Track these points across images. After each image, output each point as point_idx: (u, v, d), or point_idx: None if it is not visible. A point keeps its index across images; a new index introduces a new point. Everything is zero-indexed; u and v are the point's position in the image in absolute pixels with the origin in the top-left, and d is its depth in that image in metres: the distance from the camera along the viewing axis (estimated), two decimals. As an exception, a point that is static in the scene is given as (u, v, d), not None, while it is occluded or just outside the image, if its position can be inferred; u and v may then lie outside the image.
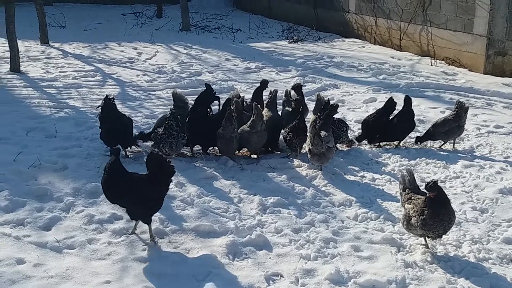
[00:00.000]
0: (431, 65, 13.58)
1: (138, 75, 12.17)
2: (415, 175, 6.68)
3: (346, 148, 7.89)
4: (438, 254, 5.14)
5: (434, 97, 10.89)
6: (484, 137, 8.47)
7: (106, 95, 6.89)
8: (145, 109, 9.54)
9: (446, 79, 12.29)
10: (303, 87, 11.47)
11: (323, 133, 6.77)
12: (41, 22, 15.10)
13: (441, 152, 7.83)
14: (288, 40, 17.09)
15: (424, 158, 7.51)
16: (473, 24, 12.85)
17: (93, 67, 12.58)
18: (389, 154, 7.65)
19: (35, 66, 12.38)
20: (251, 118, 7.07)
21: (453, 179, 6.81)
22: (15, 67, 11.48)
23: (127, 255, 4.91)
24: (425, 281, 4.69)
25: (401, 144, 8.10)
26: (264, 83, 8.36)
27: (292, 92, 8.50)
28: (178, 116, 6.86)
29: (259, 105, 7.11)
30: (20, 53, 13.47)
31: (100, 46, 15.51)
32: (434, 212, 4.85)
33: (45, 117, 8.59)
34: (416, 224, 4.96)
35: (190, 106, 7.53)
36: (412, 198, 5.14)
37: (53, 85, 10.73)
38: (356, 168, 7.12)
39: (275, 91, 8.11)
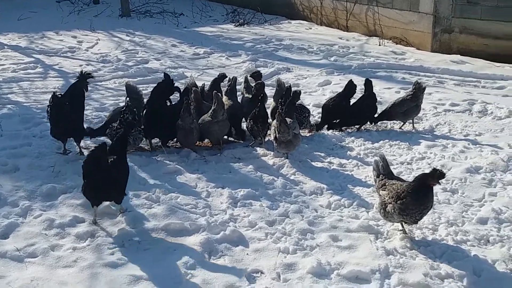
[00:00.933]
0: (379, 45, 13.59)
1: (81, 65, 11.57)
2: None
3: (308, 134, 7.73)
4: (417, 238, 5.06)
5: (387, 77, 10.88)
6: (442, 116, 8.50)
7: (53, 92, 6.42)
8: (94, 101, 9.07)
9: (396, 59, 12.31)
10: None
11: (288, 120, 6.58)
12: (-28, 12, 14.17)
13: (403, 133, 7.78)
14: (234, 24, 16.74)
15: (387, 140, 7.44)
16: (419, 2, 12.92)
17: (32, 59, 11.91)
18: (352, 138, 7.55)
19: (-31, 60, 11.59)
20: (212, 107, 6.79)
21: (419, 160, 6.77)
22: None
23: (95, 260, 4.58)
24: (409, 268, 4.59)
25: (362, 127, 8.01)
26: (222, 77, 8.05)
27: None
28: (134, 109, 6.49)
29: (219, 93, 6.83)
30: (-51, 46, 12.74)
31: (37, 36, 14.72)
32: (421, 199, 4.76)
33: (-14, 114, 8.01)
34: (392, 210, 4.85)
35: (145, 98, 7.16)
36: (387, 184, 5.02)
37: (-8, 79, 10.05)
38: (322, 154, 6.97)
39: (234, 78, 7.85)
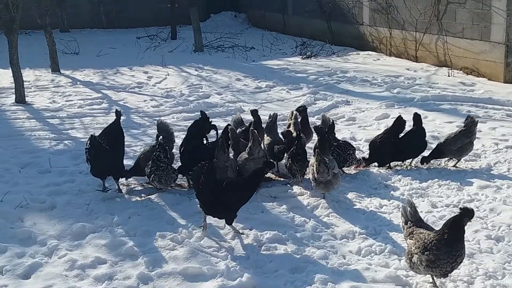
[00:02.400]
0: (448, 76, 13.05)
1: (145, 100, 11.93)
2: (426, 200, 6.31)
3: (354, 170, 7.45)
4: (448, 292, 4.67)
5: (450, 111, 10.38)
6: (502, 153, 7.95)
7: (91, 134, 6.59)
8: (148, 137, 9.24)
9: (463, 90, 11.75)
10: (313, 105, 11.22)
11: (327, 158, 6.37)
12: (51, 50, 14.98)
13: (456, 172, 7.33)
14: (301, 56, 16.71)
15: (436, 180, 7.02)
16: (490, 31, 12.31)
17: (100, 94, 12.38)
18: (399, 177, 7.19)
19: (42, 96, 12.23)
20: (248, 145, 6.70)
21: (466, 203, 6.30)
22: (20, 98, 11.34)
23: (107, 305, 4.56)
24: (431, 327, 4.23)
25: (412, 164, 7.63)
26: (254, 114, 7.94)
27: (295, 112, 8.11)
28: (167, 147, 6.53)
29: (255, 130, 6.73)
30: (29, 83, 13.50)
31: (111, 71, 15.35)
32: (451, 247, 4.44)
33: (42, 150, 8.34)
34: (418, 262, 4.51)
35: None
36: (414, 232, 4.68)
37: (57, 116, 10.52)
38: (363, 194, 6.67)
39: (275, 115, 7.74)
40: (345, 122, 10.06)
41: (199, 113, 7.41)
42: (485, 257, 5.19)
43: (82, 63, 16.48)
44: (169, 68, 15.64)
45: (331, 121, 7.49)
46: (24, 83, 11.82)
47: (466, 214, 4.48)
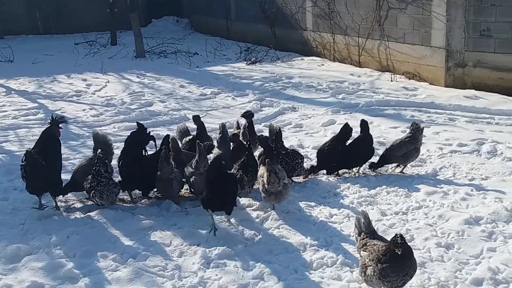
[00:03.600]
0: (391, 81, 13.18)
1: (84, 110, 11.50)
2: (375, 208, 6.24)
3: (303, 180, 7.32)
4: (401, 304, 4.56)
5: (394, 116, 10.44)
6: (447, 158, 8.00)
7: (27, 150, 6.17)
8: (88, 149, 8.82)
9: (406, 95, 11.87)
10: (260, 112, 11.07)
11: (277, 168, 6.19)
12: (-17, 58, 14.29)
13: (403, 178, 7.31)
14: (246, 62, 16.56)
15: (384, 187, 6.97)
16: (430, 36, 12.51)
17: (36, 104, 11.85)
18: (348, 184, 7.11)
19: (-28, 107, 11.58)
20: (195, 158, 6.43)
21: (415, 210, 6.28)
22: None
23: (43, 334, 4.22)
24: None
25: (360, 171, 7.57)
26: (195, 119, 7.73)
27: (243, 121, 7.92)
28: (106, 160, 6.21)
29: (201, 143, 6.47)
30: (-41, 93, 12.80)
31: (47, 79, 14.75)
32: (400, 266, 4.31)
33: (-27, 166, 7.84)
34: (372, 274, 4.39)
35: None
36: (368, 244, 4.56)
37: (-11, 128, 9.97)
38: (312, 204, 6.54)
39: (223, 125, 7.52)
40: (292, 129, 9.94)
41: (141, 123, 7.07)
42: (436, 265, 5.13)
43: (17, 71, 15.78)
44: (109, 75, 15.17)
45: (278, 128, 7.34)
46: (-46, 93, 11.15)
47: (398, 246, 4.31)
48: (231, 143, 7.14)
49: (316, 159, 7.60)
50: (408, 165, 7.66)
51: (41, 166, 5.99)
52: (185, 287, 4.83)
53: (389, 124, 9.85)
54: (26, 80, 14.67)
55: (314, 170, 7.37)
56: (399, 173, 7.51)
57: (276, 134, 7.17)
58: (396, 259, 4.27)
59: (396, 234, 4.31)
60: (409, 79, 13.26)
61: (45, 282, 4.88)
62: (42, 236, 5.66)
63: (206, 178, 5.95)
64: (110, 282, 4.89)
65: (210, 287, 4.87)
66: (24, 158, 6.00)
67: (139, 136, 6.64)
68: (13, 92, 13.11)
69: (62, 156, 8.15)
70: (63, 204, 6.55)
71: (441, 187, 6.88)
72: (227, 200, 5.80)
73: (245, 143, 7.05)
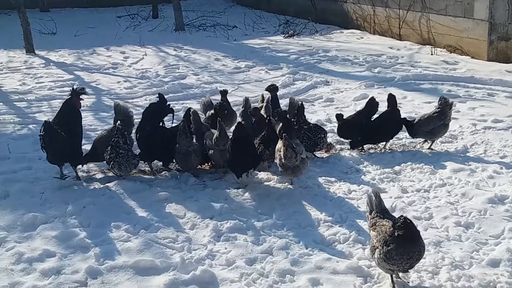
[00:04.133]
0: (431, 54, 12.75)
1: (119, 82, 11.58)
2: (396, 185, 6.06)
3: (326, 154, 7.19)
4: (411, 284, 4.44)
5: (430, 90, 10.11)
6: (480, 134, 7.71)
7: (45, 120, 6.24)
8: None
9: (446, 69, 11.47)
10: (292, 86, 10.93)
11: (294, 143, 6.07)
12: (25, 30, 14.52)
13: (430, 155, 7.08)
14: (283, 35, 16.32)
15: (409, 163, 6.78)
16: (473, 8, 12.00)
17: (72, 76, 12.02)
18: (372, 160, 6.94)
19: (12, 78, 11.84)
20: (215, 135, 6.36)
21: (438, 188, 6.07)
22: (-13, 81, 10.97)
23: (49, 302, 4.30)
24: (390, 322, 4.00)
25: (387, 147, 7.37)
26: (223, 94, 7.64)
27: (267, 94, 7.80)
28: (125, 132, 6.22)
29: (222, 122, 6.40)
30: (1, 65, 13.11)
31: (87, 52, 14.92)
32: (403, 248, 4.12)
33: (3, 136, 8.01)
34: (378, 256, 4.24)
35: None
36: (377, 224, 4.41)
37: (25, 98, 10.17)
38: (332, 179, 6.42)
39: (246, 99, 7.43)
40: (323, 103, 9.77)
41: (162, 94, 7.03)
42: (453, 245, 4.96)
43: (58, 44, 16.01)
44: (147, 48, 15.21)
45: (300, 102, 7.19)
46: (-5, 65, 11.42)
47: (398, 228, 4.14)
48: (252, 117, 7.04)
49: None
50: (438, 141, 7.42)
51: (59, 137, 6.05)
52: (193, 259, 4.81)
53: (423, 99, 9.54)
54: (66, 52, 14.87)
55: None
56: (427, 149, 7.27)
57: (298, 108, 7.04)
58: (400, 241, 4.09)
59: (400, 216, 4.15)
60: (450, 52, 12.80)
61: (57, 251, 4.95)
62: (59, 206, 5.75)
63: (231, 142, 6.16)
64: (120, 253, 4.93)
65: (218, 260, 4.85)
66: (42, 128, 6.06)
67: (158, 107, 6.62)
68: (51, 64, 13.32)
69: (91, 126, 8.37)
70: (84, 174, 6.63)
71: (469, 164, 6.63)
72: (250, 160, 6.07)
73: (266, 117, 6.93)
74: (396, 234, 4.08)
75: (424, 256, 4.67)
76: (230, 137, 6.35)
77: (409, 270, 4.32)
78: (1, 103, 9.91)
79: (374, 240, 4.35)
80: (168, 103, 6.82)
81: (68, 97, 6.52)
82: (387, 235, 4.19)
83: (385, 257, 4.16)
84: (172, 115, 6.78)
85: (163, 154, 6.46)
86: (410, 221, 4.15)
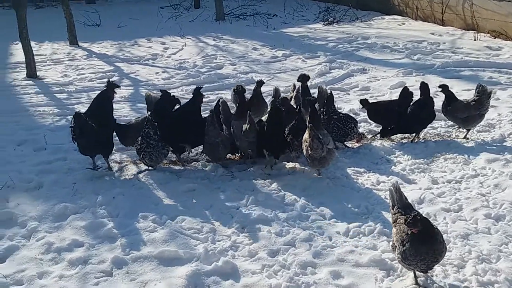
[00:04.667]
0: (475, 40, 12.40)
1: (157, 73, 11.72)
2: (427, 176, 5.94)
3: (356, 144, 7.10)
4: (434, 278, 4.36)
5: (471, 77, 9.83)
6: (519, 123, 7.45)
7: (76, 111, 6.38)
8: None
9: (488, 55, 11.14)
10: (328, 74, 10.81)
11: (321, 134, 6.01)
12: (69, 22, 14.86)
13: (465, 145, 6.90)
14: (323, 23, 16.16)
15: (443, 153, 6.64)
16: (518, -9, 11.58)
17: (112, 67, 12.22)
18: (404, 150, 6.82)
19: (55, 70, 12.14)
20: (245, 126, 6.36)
21: (470, 179, 5.92)
22: (30, 73, 11.27)
23: (75, 291, 4.42)
24: (409, 317, 3.94)
25: (420, 137, 7.21)
26: (259, 84, 7.60)
27: (297, 84, 7.73)
28: (156, 123, 6.29)
29: (252, 115, 6.41)
30: (45, 57, 13.45)
31: (129, 43, 15.15)
32: (415, 249, 4.00)
33: (42, 127, 8.23)
34: (397, 256, 4.16)
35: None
36: (397, 221, 4.30)
37: (66, 90, 10.42)
38: (361, 170, 6.34)
39: (276, 89, 7.41)
40: (358, 92, 9.65)
41: (165, 91, 7.00)
42: (481, 238, 4.84)
43: (101, 35, 16.30)
44: (187, 38, 15.34)
45: (330, 92, 7.12)
46: (40, 57, 11.68)
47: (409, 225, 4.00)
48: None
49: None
50: (474, 130, 7.23)
51: (90, 128, 6.18)
52: (216, 250, 4.85)
53: (463, 86, 9.29)
54: (108, 44, 15.13)
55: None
56: (462, 139, 7.09)
57: (328, 97, 6.97)
58: (413, 241, 3.99)
59: (414, 214, 4.02)
60: (494, 38, 12.42)
61: (85, 241, 5.08)
62: (90, 196, 5.88)
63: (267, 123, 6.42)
64: (146, 243, 5.01)
65: (240, 251, 4.87)
66: (73, 119, 6.20)
67: (163, 104, 6.65)
68: (93, 55, 13.59)
69: (127, 117, 8.50)
70: (116, 165, 6.76)
71: (505, 155, 6.42)
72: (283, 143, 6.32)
73: (296, 106, 6.89)
74: (409, 232, 3.98)
75: (450, 249, 4.61)
76: (266, 118, 6.44)
77: (428, 271, 4.20)
78: (42, 95, 10.18)
79: (394, 238, 4.26)
80: (172, 94, 6.86)
81: (104, 89, 6.63)
82: (404, 234, 4.09)
83: (401, 256, 4.08)
84: (178, 104, 6.78)
85: (183, 135, 6.46)
86: (423, 218, 4.03)
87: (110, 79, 6.74)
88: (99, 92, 6.92)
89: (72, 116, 6.25)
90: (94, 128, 6.22)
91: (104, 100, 6.61)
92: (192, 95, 6.72)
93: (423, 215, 4.52)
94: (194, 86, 6.96)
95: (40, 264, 4.80)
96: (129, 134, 6.68)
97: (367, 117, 7.87)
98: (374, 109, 7.25)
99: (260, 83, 7.53)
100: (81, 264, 4.77)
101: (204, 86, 10.15)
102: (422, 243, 3.96)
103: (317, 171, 6.21)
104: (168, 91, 7.07)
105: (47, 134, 7.78)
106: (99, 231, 5.22)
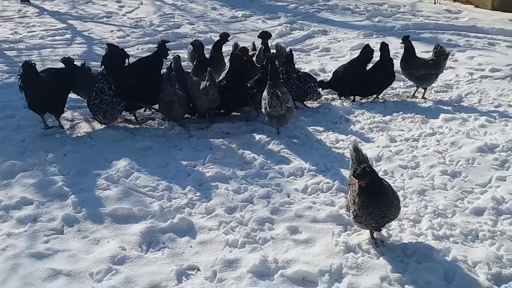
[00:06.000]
0: (435, 3, 12.42)
1: (112, 31, 11.34)
2: (385, 134, 5.93)
3: (317, 104, 7.03)
4: (390, 232, 4.35)
5: (430, 39, 9.84)
6: (476, 84, 7.54)
7: (25, 60, 6.08)
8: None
9: (448, 18, 11.19)
10: (288, 35, 10.67)
11: (280, 91, 5.89)
12: (19, -22, 14.22)
13: (423, 105, 6.91)
14: (285, -17, 15.86)
15: (401, 113, 6.63)
16: (478, -46, 11.58)
17: (65, 25, 11.77)
18: (363, 110, 6.79)
19: (4, 28, 11.62)
20: (205, 83, 6.18)
21: (427, 137, 5.94)
22: (-22, 30, 10.76)
23: (23, 249, 4.23)
24: (365, 270, 3.93)
25: (379, 97, 7.19)
26: (224, 37, 7.45)
27: (257, 43, 7.58)
28: (110, 78, 6.05)
29: (212, 72, 6.22)
30: (-6, 13, 12.87)
31: (82, 1, 14.59)
32: (363, 203, 3.94)
33: (-11, 84, 7.89)
34: (351, 214, 4.12)
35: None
36: (351, 181, 4.23)
37: (15, 47, 9.99)
38: (321, 129, 6.28)
39: (235, 44, 7.24)
40: (318, 53, 9.57)
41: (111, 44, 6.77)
42: (437, 193, 4.86)
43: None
44: (144, -4, 14.87)
45: (289, 50, 6.99)
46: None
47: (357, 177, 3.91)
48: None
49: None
50: (432, 91, 7.24)
51: (41, 82, 5.90)
52: (172, 208, 4.73)
53: (422, 48, 9.19)
54: (61, 2, 14.53)
55: (322, 85, 7.01)
56: (421, 99, 7.10)
57: (287, 56, 6.85)
58: (361, 195, 3.93)
59: (363, 166, 3.94)
60: (454, 1, 12.48)
61: (35, 199, 4.88)
62: (39, 154, 5.65)
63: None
64: (98, 200, 4.85)
65: (197, 208, 4.76)
66: (21, 68, 5.90)
67: (114, 58, 6.41)
68: (45, 13, 13.04)
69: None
70: (68, 123, 6.52)
71: (461, 114, 6.46)
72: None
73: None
74: (358, 184, 3.92)
75: (407, 204, 4.62)
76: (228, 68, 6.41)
77: (381, 228, 4.17)
78: (-9, 52, 9.74)
79: (349, 199, 4.20)
80: (121, 48, 6.62)
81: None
82: (355, 194, 4.03)
83: (353, 215, 4.03)
84: (127, 58, 6.54)
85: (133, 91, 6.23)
86: (372, 170, 3.97)
87: (28, 60, 6.19)
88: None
89: (21, 65, 5.94)
90: (46, 83, 5.95)
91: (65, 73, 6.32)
92: (156, 48, 6.48)
93: (380, 172, 4.51)
94: (151, 44, 6.73)
95: (-14, 222, 4.60)
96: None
97: (327, 77, 7.83)
98: (334, 81, 7.10)
99: (225, 36, 7.32)
100: (30, 222, 4.59)
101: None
102: (369, 196, 3.91)
103: (276, 130, 6.11)
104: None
105: (-5, 91, 7.44)
106: (49, 189, 5.03)
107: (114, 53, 6.43)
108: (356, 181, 3.95)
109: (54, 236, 4.42)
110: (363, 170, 3.85)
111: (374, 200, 3.90)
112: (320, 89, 6.95)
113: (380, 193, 3.91)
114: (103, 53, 6.61)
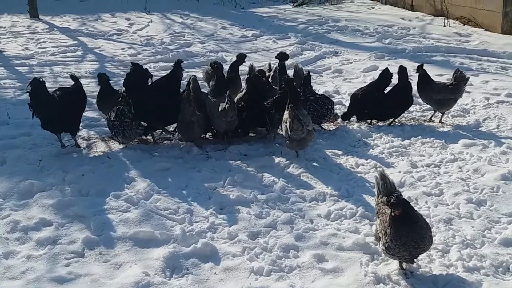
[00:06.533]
0: (444, 26, 12.45)
1: (123, 49, 11.35)
2: (406, 160, 5.86)
3: (333, 126, 6.98)
4: (420, 262, 4.25)
5: (442, 63, 9.83)
6: (493, 109, 7.47)
7: (35, 77, 6.03)
8: (121, 87, 8.67)
9: (458, 41, 11.18)
10: (300, 56, 10.65)
11: (301, 114, 5.83)
12: (29, -6, 14.28)
13: (441, 129, 6.85)
14: (292, 4, 15.97)
15: (420, 137, 6.57)
16: (489, -21, 11.63)
17: (76, 42, 11.77)
18: (381, 134, 6.72)
19: (15, 43, 11.63)
20: (224, 105, 6.12)
21: (449, 163, 5.87)
22: (-11, 46, 10.74)
23: (44, 273, 4.14)
24: (397, 302, 3.83)
25: (396, 120, 7.14)
26: (241, 57, 7.42)
27: (274, 64, 7.53)
28: (130, 100, 6.00)
29: (231, 95, 6.18)
30: (4, 29, 12.88)
31: (92, 18, 14.68)
32: (395, 234, 3.85)
33: (3, 100, 7.82)
34: (381, 246, 4.03)
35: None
36: (380, 211, 4.14)
37: (27, 63, 9.96)
38: (339, 152, 6.21)
39: (251, 66, 7.21)
40: (331, 74, 9.54)
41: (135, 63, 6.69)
42: (464, 223, 4.77)
43: (63, 9, 15.78)
44: (153, 14, 14.95)
45: (307, 72, 6.95)
46: (-1, 29, 11.16)
47: (392, 206, 3.84)
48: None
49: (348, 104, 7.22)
50: (449, 115, 7.20)
51: (49, 97, 5.86)
52: (194, 232, 4.64)
53: (435, 71, 9.22)
54: (71, 18, 14.63)
55: (345, 117, 7.01)
56: (438, 123, 7.05)
57: (305, 78, 6.80)
58: (394, 224, 3.84)
59: (396, 195, 3.86)
60: (464, 24, 12.49)
61: (54, 220, 4.79)
62: (57, 173, 5.57)
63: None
64: (118, 223, 4.76)
65: (219, 233, 4.67)
66: (29, 85, 5.84)
67: (136, 76, 6.35)
68: (55, 29, 13.08)
69: (93, 93, 8.14)
70: (84, 142, 6.45)
71: (481, 140, 6.40)
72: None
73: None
74: (392, 214, 3.83)
75: (434, 233, 4.52)
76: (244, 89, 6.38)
77: (414, 260, 4.09)
78: (3, 68, 9.72)
79: (378, 229, 4.11)
80: (144, 67, 6.58)
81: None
82: (387, 224, 3.94)
83: (385, 247, 3.95)
84: (150, 78, 6.49)
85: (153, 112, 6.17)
86: (405, 200, 3.89)
87: (36, 77, 6.15)
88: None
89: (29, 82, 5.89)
90: (54, 99, 5.90)
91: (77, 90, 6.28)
92: (172, 68, 6.44)
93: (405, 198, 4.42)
94: (163, 63, 6.68)
95: (5, 243, 4.50)
96: None
97: (341, 99, 7.81)
98: (353, 104, 7.06)
99: (241, 57, 7.29)
100: (50, 244, 4.49)
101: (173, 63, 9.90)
102: (403, 226, 3.81)
103: (295, 152, 6.04)
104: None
105: (9, 109, 7.37)
106: (68, 210, 4.94)
107: (138, 72, 6.36)
108: (388, 210, 3.87)
109: (75, 260, 4.32)
110: (397, 198, 3.77)
111: (408, 231, 3.80)
112: (343, 120, 6.92)
113: (414, 223, 3.82)
114: (127, 72, 6.53)
